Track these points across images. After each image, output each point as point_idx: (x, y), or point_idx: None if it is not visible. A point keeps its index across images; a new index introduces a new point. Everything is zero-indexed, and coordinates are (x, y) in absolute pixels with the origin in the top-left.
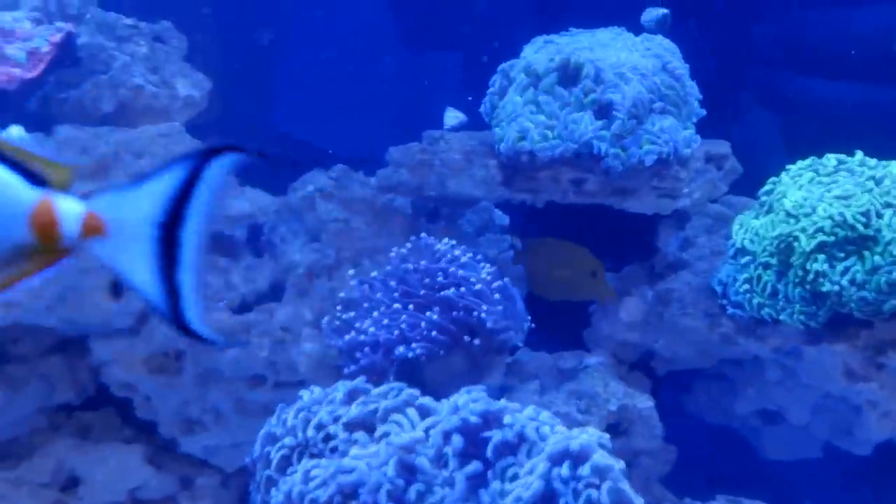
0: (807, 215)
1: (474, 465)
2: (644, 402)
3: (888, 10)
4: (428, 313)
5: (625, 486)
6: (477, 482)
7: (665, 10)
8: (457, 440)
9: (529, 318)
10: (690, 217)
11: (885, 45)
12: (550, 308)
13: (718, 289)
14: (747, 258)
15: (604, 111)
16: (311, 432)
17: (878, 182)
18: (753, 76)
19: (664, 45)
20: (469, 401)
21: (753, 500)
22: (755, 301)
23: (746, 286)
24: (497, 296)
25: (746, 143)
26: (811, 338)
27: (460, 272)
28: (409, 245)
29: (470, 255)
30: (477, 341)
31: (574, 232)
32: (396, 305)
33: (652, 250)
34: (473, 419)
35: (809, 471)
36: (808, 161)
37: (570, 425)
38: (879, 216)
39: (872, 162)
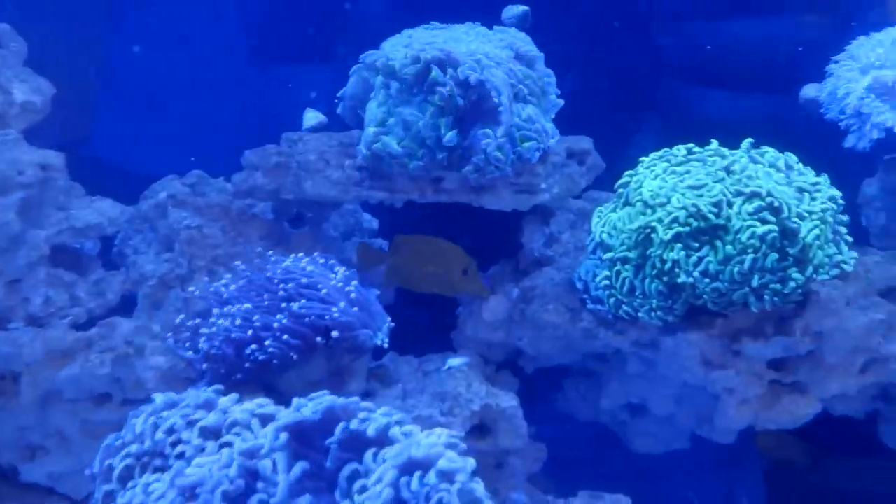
0: (662, 205)
1: (300, 466)
2: (507, 402)
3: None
4: (279, 315)
5: (475, 486)
6: (317, 484)
7: (525, 8)
8: (283, 437)
9: (389, 318)
10: (555, 213)
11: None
12: (420, 311)
13: (579, 284)
14: (606, 253)
15: (470, 106)
16: (159, 435)
17: (729, 172)
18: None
19: (518, 36)
20: (314, 400)
21: (616, 494)
22: (612, 300)
23: (606, 282)
24: (353, 296)
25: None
26: (668, 329)
27: (304, 280)
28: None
29: (322, 260)
30: (327, 342)
31: (443, 231)
32: (247, 305)
33: (518, 248)
34: (314, 416)
35: (678, 462)
36: (660, 152)
37: (432, 428)
38: (730, 205)
39: (725, 151)
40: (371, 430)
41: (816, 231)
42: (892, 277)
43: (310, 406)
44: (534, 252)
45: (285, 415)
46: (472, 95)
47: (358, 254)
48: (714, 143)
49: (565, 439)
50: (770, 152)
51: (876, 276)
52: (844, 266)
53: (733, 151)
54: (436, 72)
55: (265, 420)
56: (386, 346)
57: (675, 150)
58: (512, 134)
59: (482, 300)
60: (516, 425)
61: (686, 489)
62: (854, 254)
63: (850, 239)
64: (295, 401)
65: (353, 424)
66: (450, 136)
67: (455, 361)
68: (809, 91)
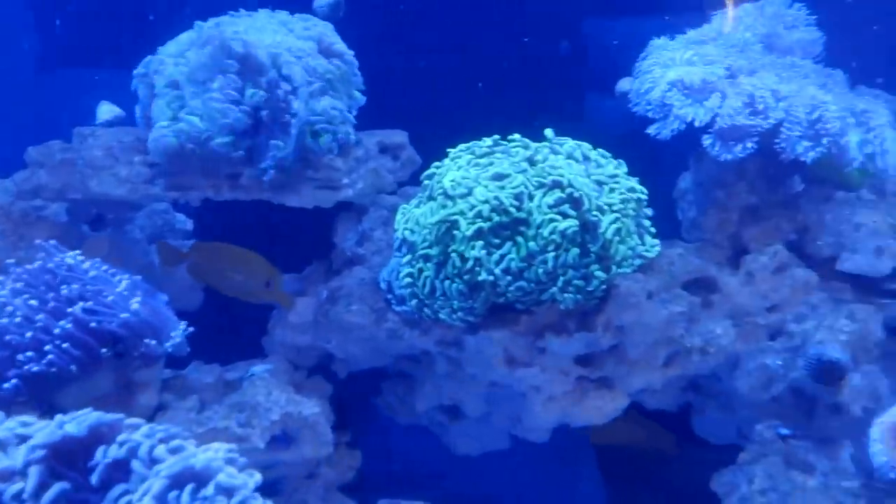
0: (463, 197)
1: (57, 488)
2: (310, 409)
3: None
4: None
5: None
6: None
7: None
8: (38, 454)
9: (184, 324)
10: (367, 210)
11: None
12: (230, 316)
13: (383, 285)
14: (408, 251)
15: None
16: None
17: (532, 162)
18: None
19: (324, 28)
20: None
21: (415, 501)
22: (414, 301)
23: (409, 280)
24: (138, 303)
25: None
26: (471, 327)
27: (89, 287)
28: (38, 260)
29: (105, 267)
30: (114, 352)
31: (260, 231)
32: (32, 301)
33: (332, 247)
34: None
35: (499, 463)
36: (467, 144)
37: (229, 440)
38: (531, 198)
39: (529, 143)
40: (131, 452)
41: (616, 225)
42: (695, 270)
43: (73, 423)
44: (346, 251)
45: (43, 433)
46: (269, 90)
47: (158, 252)
48: (517, 136)
49: (385, 444)
50: (568, 143)
51: (678, 269)
52: (647, 254)
53: (538, 144)
54: (230, 65)
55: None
56: (187, 351)
57: (481, 141)
58: (304, 129)
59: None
60: (320, 433)
61: (507, 490)
62: (657, 244)
63: (653, 231)
64: (57, 417)
65: (112, 451)
66: (242, 123)
67: (258, 369)
68: (624, 85)
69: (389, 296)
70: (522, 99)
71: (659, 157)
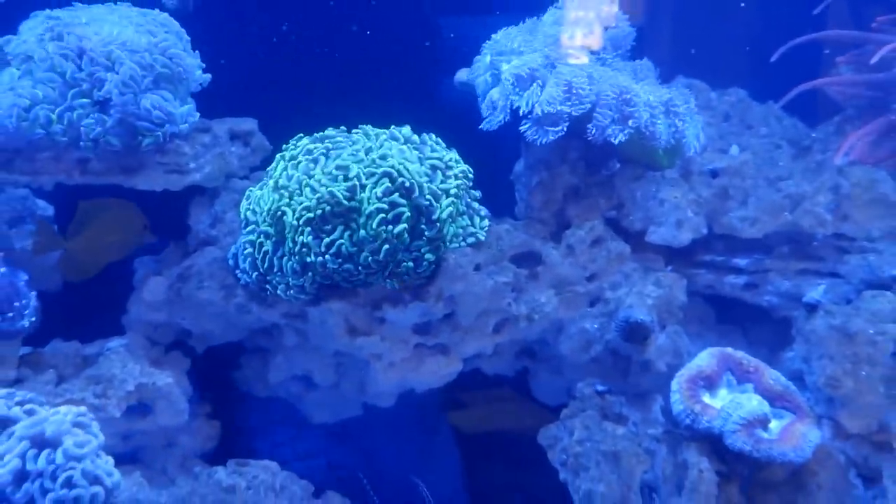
0: (295, 189)
1: None
2: (163, 380)
3: None
4: None
5: (101, 462)
6: None
7: None
8: None
9: (35, 302)
10: (220, 193)
11: None
12: (90, 296)
13: (231, 260)
14: (251, 228)
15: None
16: None
17: (368, 152)
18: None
19: (160, 20)
20: None
21: (264, 460)
22: (255, 274)
23: (249, 250)
24: None
25: None
26: (314, 299)
27: None
28: None
29: None
30: None
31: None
32: None
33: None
34: None
35: (354, 429)
36: (316, 135)
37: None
38: (363, 188)
39: (370, 132)
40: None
41: (451, 209)
42: (521, 244)
43: None
44: (200, 233)
45: None
46: (98, 81)
47: (36, 232)
48: (367, 127)
49: (244, 415)
50: (405, 130)
51: (506, 244)
52: (478, 235)
53: (379, 132)
54: (66, 54)
55: None
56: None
57: (327, 132)
58: (128, 121)
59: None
60: (174, 402)
61: (363, 455)
62: (486, 224)
63: (483, 211)
64: None
65: None
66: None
67: (113, 344)
68: (462, 75)
69: (237, 271)
70: (375, 89)
71: (501, 143)
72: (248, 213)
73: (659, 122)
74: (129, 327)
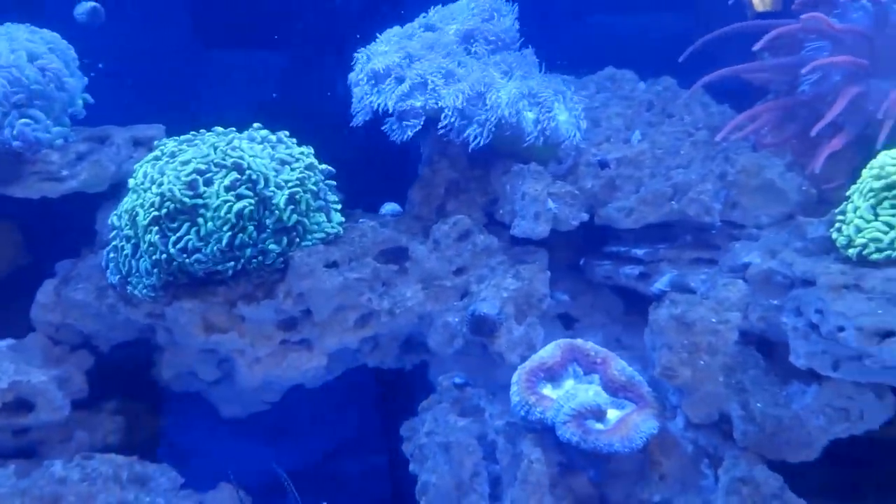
0: (145, 190)
1: None
2: (38, 378)
3: None
4: None
5: None
6: None
7: (95, 4)
8: None
9: None
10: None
11: None
12: None
13: (104, 264)
14: (115, 232)
15: None
16: None
17: (216, 148)
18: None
19: (47, 39)
20: None
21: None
22: (117, 277)
23: (112, 255)
24: None
25: None
26: (171, 298)
27: None
28: None
29: None
30: None
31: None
32: None
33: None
34: None
35: (261, 424)
36: (183, 136)
37: None
38: (210, 183)
39: (221, 130)
40: None
41: (286, 196)
42: (386, 240)
43: None
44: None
45: None
46: None
47: None
48: (218, 128)
49: (158, 410)
50: (263, 130)
51: (369, 240)
52: (330, 230)
53: (231, 131)
54: None
55: None
56: None
57: (192, 133)
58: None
59: None
60: (50, 399)
61: (276, 450)
62: (341, 220)
63: (338, 207)
64: None
65: None
66: None
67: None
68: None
69: (108, 274)
70: (268, 96)
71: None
72: (115, 218)
73: (528, 114)
74: (34, 328)
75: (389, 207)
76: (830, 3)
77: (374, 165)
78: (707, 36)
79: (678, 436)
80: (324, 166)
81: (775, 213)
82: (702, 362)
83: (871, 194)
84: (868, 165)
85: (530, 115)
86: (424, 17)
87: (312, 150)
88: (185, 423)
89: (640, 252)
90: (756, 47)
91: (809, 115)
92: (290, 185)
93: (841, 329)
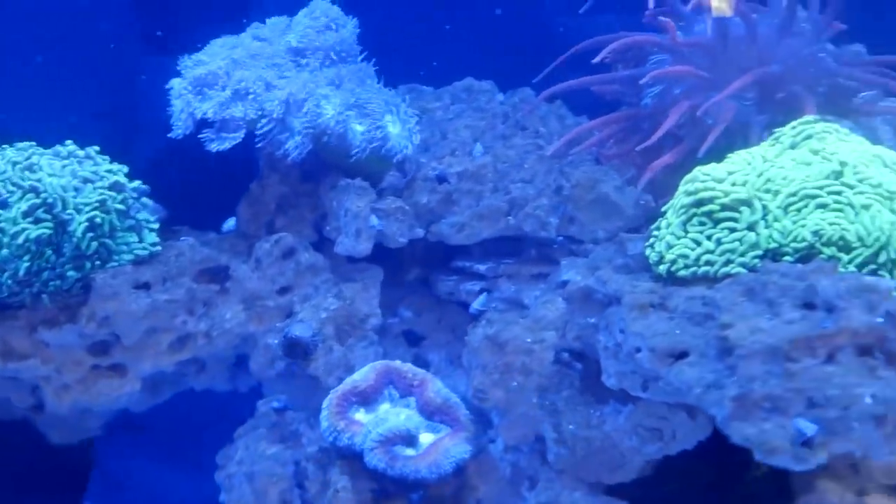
0: None
1: None
2: None
3: None
4: None
5: None
6: None
7: None
8: None
9: None
10: None
11: None
12: None
13: None
14: None
15: None
16: None
17: (14, 165)
18: None
19: None
20: None
21: None
22: None
23: None
24: None
25: None
26: None
27: None
28: None
29: None
30: None
31: None
32: None
33: None
34: None
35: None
36: None
37: None
38: (5, 206)
39: (26, 146)
40: None
41: (97, 221)
42: (204, 259)
43: None
44: None
45: None
46: None
47: None
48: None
49: None
50: (71, 145)
51: (187, 260)
52: (141, 252)
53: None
54: None
55: None
56: None
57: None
58: None
59: None
60: None
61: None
62: (155, 240)
63: (154, 226)
64: None
65: None
66: None
67: None
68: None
69: None
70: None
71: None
72: None
73: (356, 127)
74: None
75: (232, 223)
76: (677, 16)
77: (218, 180)
78: (565, 55)
79: (498, 458)
80: (136, 183)
81: (612, 227)
82: (515, 383)
83: (682, 210)
84: (682, 181)
85: (358, 128)
86: (257, 27)
87: (124, 168)
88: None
89: (482, 268)
90: (596, 60)
91: (651, 127)
92: (89, 207)
93: (637, 350)
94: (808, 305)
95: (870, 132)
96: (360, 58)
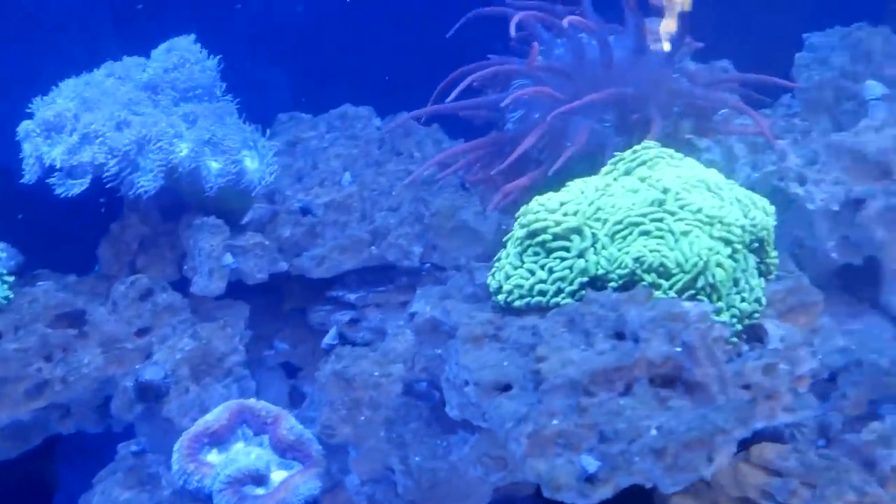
0: None
1: None
2: None
3: None
4: None
5: None
6: None
7: None
8: None
9: None
10: None
11: None
12: None
13: None
14: None
15: None
16: None
17: None
18: None
19: None
20: None
21: None
22: None
23: None
24: None
25: None
26: None
27: None
28: None
29: None
30: None
31: None
32: None
33: None
34: None
35: None
36: None
37: None
38: None
39: None
40: None
41: None
42: (60, 304)
43: None
44: None
45: None
46: None
47: None
48: None
49: None
50: None
51: (41, 305)
52: None
53: None
54: None
55: None
56: None
57: None
58: None
59: None
60: None
61: None
62: (6, 293)
63: (7, 278)
64: None
65: None
66: None
67: None
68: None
69: None
70: None
71: None
72: None
73: (210, 163)
74: None
75: None
76: (538, 40)
77: (80, 221)
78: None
79: (353, 493)
80: None
81: (473, 254)
82: (363, 418)
83: (518, 241)
84: (519, 211)
85: (214, 165)
86: (112, 63)
87: None
88: None
89: (352, 297)
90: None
91: (513, 151)
92: None
93: (466, 383)
94: (620, 335)
95: (726, 150)
96: (220, 93)
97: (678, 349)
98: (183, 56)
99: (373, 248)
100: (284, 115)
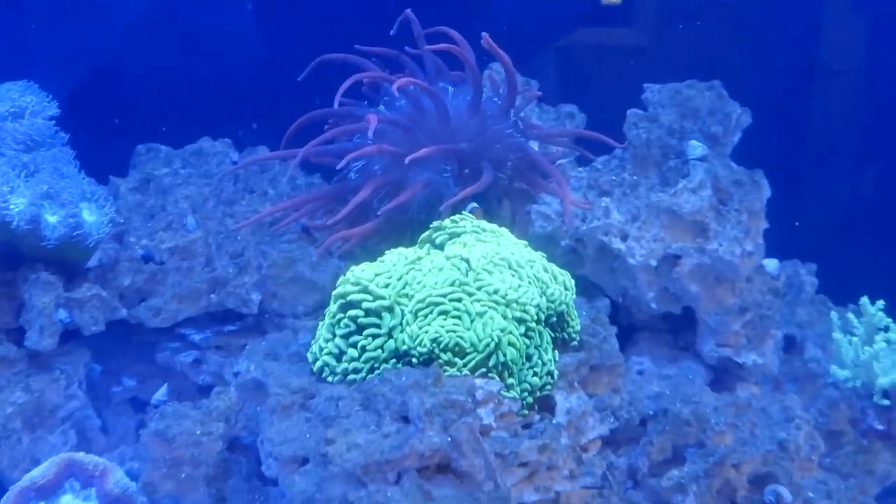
0: None
1: None
2: None
3: None
4: None
5: None
6: None
7: None
8: None
9: None
10: None
11: None
12: None
13: None
14: None
15: None
16: None
17: None
18: None
19: None
20: None
21: None
22: None
23: None
24: None
25: None
26: None
27: None
28: None
29: None
30: None
31: None
32: None
33: None
34: None
35: None
36: None
37: None
38: None
39: None
40: None
41: None
42: None
43: None
44: None
45: None
46: None
47: None
48: None
49: None
50: None
51: None
52: None
53: None
54: None
55: None
56: None
57: None
58: None
59: None
60: None
61: None
62: None
63: None
64: None
65: None
66: None
67: None
68: None
69: None
70: None
71: None
72: None
73: (48, 217)
74: None
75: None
76: (383, 92)
77: None
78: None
79: None
80: None
81: (311, 302)
82: (184, 475)
83: (332, 314)
84: (338, 282)
85: (51, 218)
86: None
87: None
88: None
89: (197, 337)
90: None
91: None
92: None
93: (269, 456)
94: (405, 419)
95: (559, 203)
96: (59, 142)
97: (448, 439)
98: (18, 105)
99: (212, 295)
100: (143, 146)
